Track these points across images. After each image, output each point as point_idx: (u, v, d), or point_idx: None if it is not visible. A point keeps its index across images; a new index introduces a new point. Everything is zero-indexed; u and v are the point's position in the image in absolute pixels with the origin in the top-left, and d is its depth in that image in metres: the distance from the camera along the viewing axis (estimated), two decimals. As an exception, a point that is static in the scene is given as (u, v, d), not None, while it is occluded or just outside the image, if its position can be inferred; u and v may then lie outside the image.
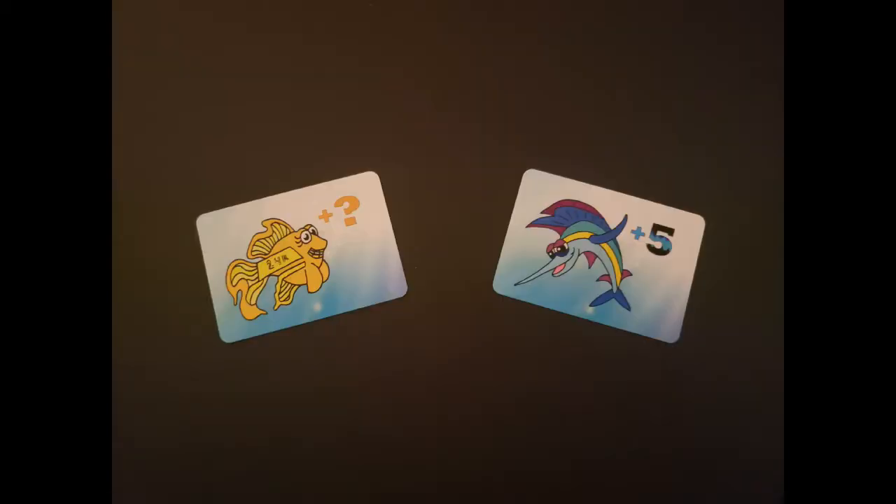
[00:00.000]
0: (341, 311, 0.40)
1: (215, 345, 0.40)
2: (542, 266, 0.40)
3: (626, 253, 0.40)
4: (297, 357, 0.40)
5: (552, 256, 0.40)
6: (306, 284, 0.40)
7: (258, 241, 0.41)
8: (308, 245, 0.41)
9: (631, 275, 0.40)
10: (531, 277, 0.40)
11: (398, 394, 0.39)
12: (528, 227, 0.41)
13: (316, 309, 0.40)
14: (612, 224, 0.41)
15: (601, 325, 0.40)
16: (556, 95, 0.42)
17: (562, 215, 0.41)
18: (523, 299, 0.40)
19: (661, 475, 0.39)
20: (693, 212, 0.41)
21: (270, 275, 0.40)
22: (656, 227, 0.41)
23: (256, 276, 0.40)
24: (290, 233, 0.41)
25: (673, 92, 0.42)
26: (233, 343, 0.40)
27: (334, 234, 0.41)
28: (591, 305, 0.40)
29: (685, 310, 0.40)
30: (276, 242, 0.41)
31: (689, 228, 0.41)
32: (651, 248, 0.40)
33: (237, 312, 0.40)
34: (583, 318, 0.40)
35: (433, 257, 0.40)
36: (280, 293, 0.40)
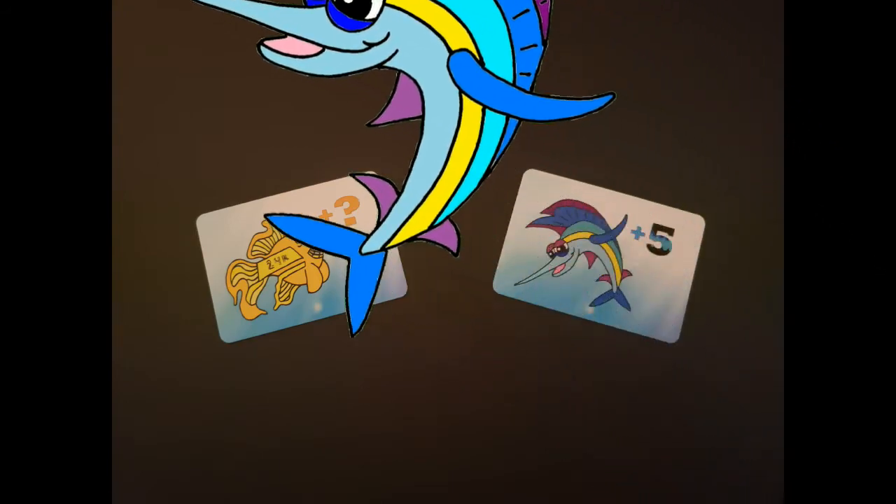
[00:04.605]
0: (341, 311, 0.40)
1: (215, 345, 0.40)
2: (541, 266, 0.40)
3: (625, 253, 0.40)
4: (297, 357, 0.40)
5: (552, 256, 0.40)
6: (306, 284, 0.40)
7: (258, 241, 0.41)
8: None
9: (631, 275, 0.40)
10: (531, 277, 0.40)
11: (398, 394, 0.39)
12: (528, 226, 0.41)
13: (316, 309, 0.40)
14: (612, 224, 0.41)
15: (601, 325, 0.40)
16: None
17: (562, 215, 0.41)
18: (523, 299, 0.40)
19: (662, 474, 0.39)
20: (693, 212, 0.41)
21: (270, 275, 0.40)
22: (656, 227, 0.41)
23: (256, 276, 0.40)
24: (290, 233, 0.41)
25: (673, 92, 0.42)
26: (233, 343, 0.40)
27: (334, 234, 0.41)
28: (591, 305, 0.40)
29: (685, 310, 0.40)
30: (276, 242, 0.41)
31: (689, 228, 0.41)
32: (651, 248, 0.40)
33: (237, 312, 0.40)
34: (583, 318, 0.40)
35: (433, 257, 0.40)
36: (280, 293, 0.40)
